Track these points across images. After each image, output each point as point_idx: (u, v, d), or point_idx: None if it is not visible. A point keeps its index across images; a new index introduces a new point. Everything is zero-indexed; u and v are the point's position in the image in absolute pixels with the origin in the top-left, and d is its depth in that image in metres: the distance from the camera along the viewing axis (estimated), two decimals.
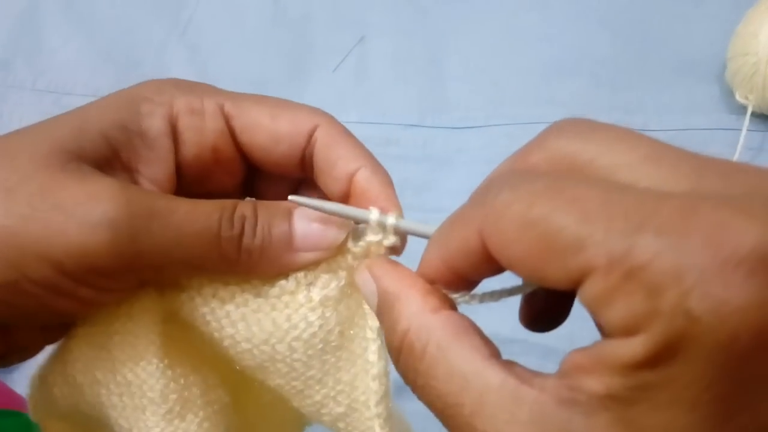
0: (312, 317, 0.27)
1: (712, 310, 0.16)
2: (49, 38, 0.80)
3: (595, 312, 0.19)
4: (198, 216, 0.25)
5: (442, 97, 0.73)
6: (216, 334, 0.27)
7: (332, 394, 0.28)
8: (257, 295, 0.27)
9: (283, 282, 0.27)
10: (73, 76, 0.78)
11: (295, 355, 0.27)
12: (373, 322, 0.27)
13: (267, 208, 0.27)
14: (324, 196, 0.29)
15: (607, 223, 0.18)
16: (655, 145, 0.21)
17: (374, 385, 0.27)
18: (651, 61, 0.71)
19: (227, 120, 0.28)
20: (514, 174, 0.22)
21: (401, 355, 0.22)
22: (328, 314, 0.27)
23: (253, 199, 0.28)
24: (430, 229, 0.25)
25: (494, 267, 0.22)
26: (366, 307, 0.27)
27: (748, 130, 0.64)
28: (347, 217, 0.27)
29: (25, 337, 0.28)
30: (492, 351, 0.21)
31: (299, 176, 0.30)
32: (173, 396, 0.28)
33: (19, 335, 0.28)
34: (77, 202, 0.24)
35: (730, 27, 0.67)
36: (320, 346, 0.27)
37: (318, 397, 0.28)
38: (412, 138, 0.70)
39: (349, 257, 0.27)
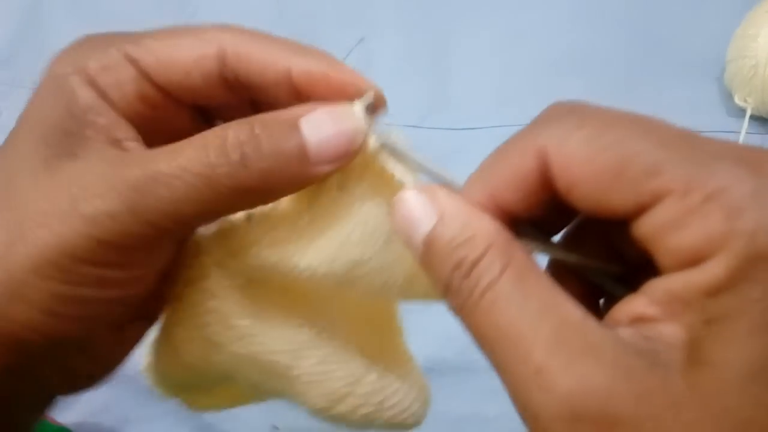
0: (362, 213, 0.26)
1: None
2: (52, 36, 0.80)
3: (660, 239, 0.18)
4: (182, 163, 0.23)
5: (443, 97, 0.73)
6: (291, 275, 0.27)
7: (414, 270, 0.28)
8: (310, 219, 0.27)
9: (326, 191, 0.26)
10: None
11: (366, 255, 0.27)
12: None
13: (268, 123, 0.24)
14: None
15: (686, 151, 0.18)
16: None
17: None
18: (652, 61, 0.71)
19: (135, 65, 0.26)
20: (578, 105, 0.22)
21: (470, 277, 0.21)
22: (372, 205, 0.26)
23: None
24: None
25: (547, 199, 0.21)
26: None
27: (747, 132, 0.64)
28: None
29: (105, 347, 0.28)
30: (561, 289, 0.20)
31: (237, 101, 0.28)
32: (285, 346, 0.28)
33: (100, 348, 0.28)
34: (69, 200, 0.23)
35: (730, 29, 0.67)
36: (383, 237, 0.27)
37: (401, 281, 0.28)
38: (415, 138, 0.70)
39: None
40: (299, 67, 0.25)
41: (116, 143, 0.26)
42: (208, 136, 0.24)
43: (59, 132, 0.25)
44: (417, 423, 0.32)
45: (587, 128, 0.20)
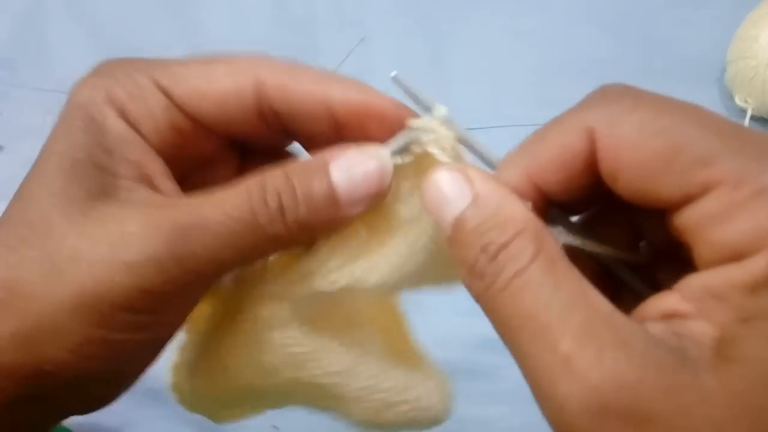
0: (418, 227, 0.26)
1: None
2: (52, 37, 0.80)
3: (704, 231, 0.18)
4: (230, 213, 0.23)
5: (443, 98, 0.73)
6: (361, 292, 0.27)
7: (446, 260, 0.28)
8: (376, 242, 0.27)
9: (384, 213, 0.26)
10: (76, 76, 0.77)
11: (427, 263, 0.27)
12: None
13: (299, 171, 0.25)
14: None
15: (739, 144, 0.18)
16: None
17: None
18: (652, 63, 0.71)
19: (167, 94, 0.26)
20: (631, 88, 0.22)
21: (497, 261, 0.20)
22: (423, 216, 0.26)
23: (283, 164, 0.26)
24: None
25: (587, 181, 0.21)
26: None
27: None
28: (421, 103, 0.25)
29: (130, 373, 0.28)
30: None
31: (270, 132, 0.28)
32: (339, 367, 0.29)
33: (124, 375, 0.28)
34: (111, 247, 0.23)
35: (730, 30, 0.67)
36: (437, 245, 0.27)
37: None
38: None
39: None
40: (339, 96, 0.26)
41: (148, 180, 0.25)
42: (248, 184, 0.24)
43: (90, 166, 0.24)
44: (448, 417, 0.32)
45: (640, 112, 0.20)
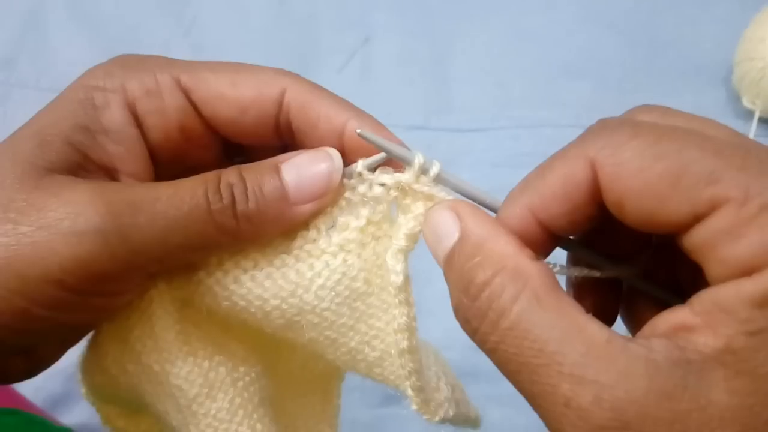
0: (333, 263, 0.26)
1: None
2: (53, 37, 0.80)
3: (714, 249, 0.18)
4: (183, 196, 0.24)
5: (447, 98, 0.73)
6: (242, 303, 0.27)
7: (366, 339, 0.28)
8: (281, 252, 0.27)
9: (304, 232, 0.27)
10: (76, 75, 0.77)
11: (323, 304, 0.27)
12: (398, 270, 0.26)
13: (252, 169, 0.25)
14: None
15: (743, 160, 0.18)
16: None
17: (398, 339, 0.26)
18: (658, 64, 0.71)
19: (187, 94, 0.26)
20: (629, 118, 0.22)
21: (479, 300, 0.20)
22: (350, 260, 0.26)
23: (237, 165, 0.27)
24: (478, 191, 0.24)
25: (591, 212, 0.21)
26: (392, 255, 0.26)
27: (755, 135, 0.64)
28: (402, 159, 0.26)
29: (47, 351, 0.28)
30: (585, 309, 0.20)
31: (278, 144, 0.28)
32: (199, 380, 0.28)
33: (41, 352, 0.27)
34: (58, 217, 0.23)
35: (738, 31, 0.66)
36: (346, 293, 0.27)
37: (352, 344, 0.28)
38: (417, 140, 0.70)
39: (363, 196, 0.26)
40: (355, 127, 0.26)
41: (112, 174, 0.26)
42: (201, 177, 0.25)
43: (61, 140, 0.25)
44: None
45: (641, 138, 0.20)
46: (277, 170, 0.25)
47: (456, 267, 0.22)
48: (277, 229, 0.26)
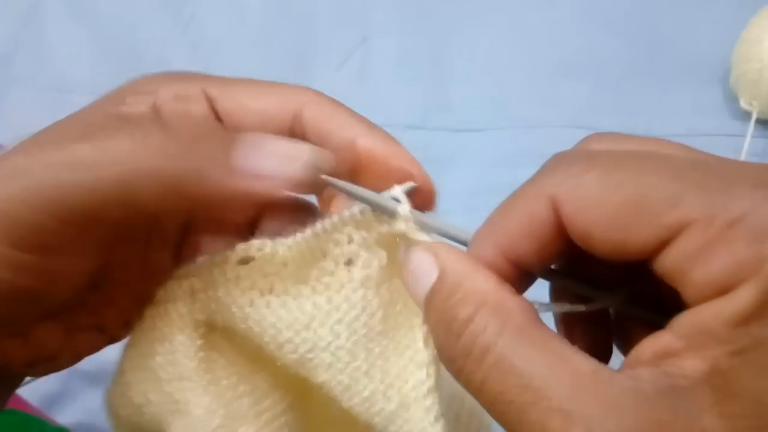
0: (354, 297, 0.25)
1: None
2: (51, 34, 0.80)
3: (685, 272, 0.18)
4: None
5: (445, 98, 0.73)
6: (257, 329, 0.26)
7: (381, 388, 0.26)
8: (297, 281, 0.26)
9: (322, 264, 0.26)
10: (74, 73, 0.77)
11: (338, 342, 0.25)
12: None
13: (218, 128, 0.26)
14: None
15: (702, 179, 0.18)
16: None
17: (421, 375, 0.25)
18: (655, 64, 0.71)
19: (212, 103, 0.27)
20: (583, 149, 0.22)
21: (462, 338, 0.20)
22: (370, 296, 0.25)
23: None
24: (461, 231, 0.24)
25: (559, 247, 0.21)
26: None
27: (752, 136, 0.64)
28: (377, 207, 0.25)
29: (48, 339, 0.27)
30: (578, 343, 0.20)
31: None
32: (221, 411, 0.27)
33: (41, 338, 0.27)
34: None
35: (735, 32, 0.66)
36: (363, 331, 0.26)
37: (366, 393, 0.26)
38: (415, 139, 0.70)
39: (386, 236, 0.25)
40: (366, 142, 0.26)
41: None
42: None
43: (96, 125, 0.25)
44: None
45: (597, 168, 0.19)
46: (237, 137, 0.25)
47: (437, 306, 0.21)
48: (217, 195, 0.25)
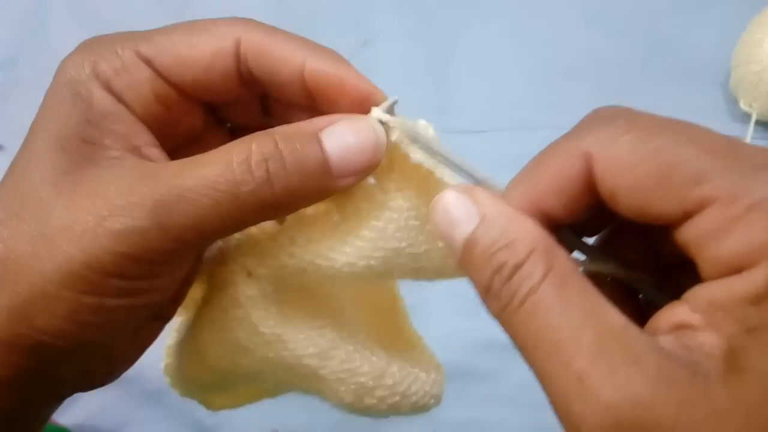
0: (396, 204, 0.27)
1: None
2: (53, 37, 0.80)
3: (703, 246, 0.18)
4: (210, 180, 0.23)
5: (447, 100, 0.73)
6: (330, 272, 0.27)
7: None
8: (348, 223, 0.27)
9: (354, 192, 0.27)
10: None
11: (403, 244, 0.27)
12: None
13: (289, 136, 0.24)
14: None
15: (731, 160, 0.19)
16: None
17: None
18: (655, 66, 0.71)
19: (150, 65, 0.26)
20: (624, 109, 0.22)
21: (511, 282, 0.20)
22: (407, 194, 0.27)
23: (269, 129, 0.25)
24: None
25: (591, 204, 0.21)
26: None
27: (752, 138, 0.64)
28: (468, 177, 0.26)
29: (122, 349, 0.28)
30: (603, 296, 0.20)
31: (255, 101, 0.28)
32: (311, 349, 0.29)
33: (118, 351, 0.28)
34: (99, 216, 0.23)
35: (735, 34, 0.67)
36: (416, 223, 0.27)
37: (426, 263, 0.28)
38: None
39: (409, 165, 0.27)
40: (313, 67, 0.25)
41: (136, 150, 0.25)
42: (232, 151, 0.24)
43: (78, 140, 0.25)
44: (437, 403, 0.33)
45: (633, 133, 0.20)
46: (317, 139, 0.24)
47: (481, 252, 0.22)
48: (315, 201, 0.25)
